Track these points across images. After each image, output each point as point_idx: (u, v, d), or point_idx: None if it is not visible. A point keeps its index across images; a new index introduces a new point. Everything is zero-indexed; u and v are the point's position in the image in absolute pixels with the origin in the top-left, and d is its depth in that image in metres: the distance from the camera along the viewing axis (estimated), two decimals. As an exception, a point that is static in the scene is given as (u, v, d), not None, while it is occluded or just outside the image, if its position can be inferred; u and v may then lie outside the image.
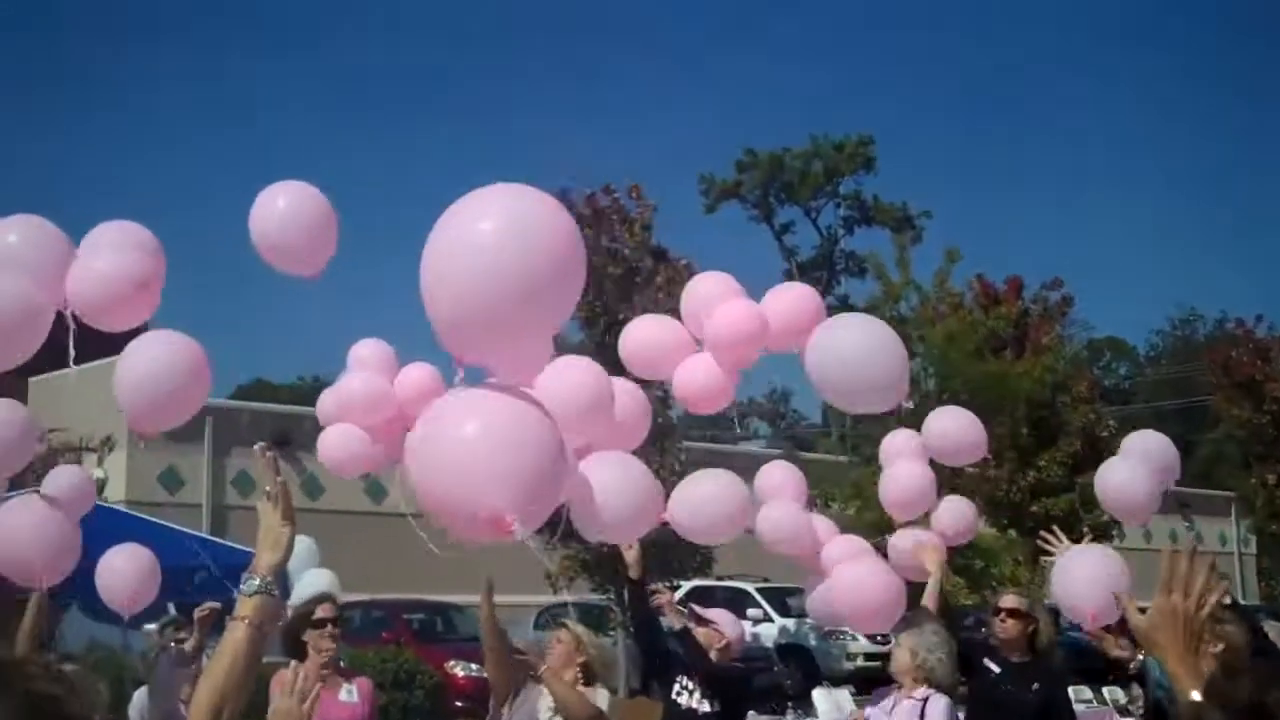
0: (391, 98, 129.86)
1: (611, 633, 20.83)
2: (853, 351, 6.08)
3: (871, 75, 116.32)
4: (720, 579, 27.69)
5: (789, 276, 65.25)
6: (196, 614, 8.92)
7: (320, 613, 6.86)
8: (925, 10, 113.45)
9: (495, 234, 3.67)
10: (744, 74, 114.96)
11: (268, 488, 3.36)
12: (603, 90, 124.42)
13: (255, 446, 3.54)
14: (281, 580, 9.91)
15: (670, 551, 20.99)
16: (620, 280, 22.18)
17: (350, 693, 6.94)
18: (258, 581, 3.18)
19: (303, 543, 11.51)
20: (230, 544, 12.89)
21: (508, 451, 3.69)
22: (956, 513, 8.39)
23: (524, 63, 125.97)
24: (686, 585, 24.60)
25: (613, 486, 5.38)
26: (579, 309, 22.08)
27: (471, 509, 3.80)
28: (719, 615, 8.45)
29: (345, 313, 67.14)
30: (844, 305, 64.03)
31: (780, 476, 7.98)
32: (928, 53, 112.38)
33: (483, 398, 3.80)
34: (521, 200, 3.71)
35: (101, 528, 11.88)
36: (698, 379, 6.74)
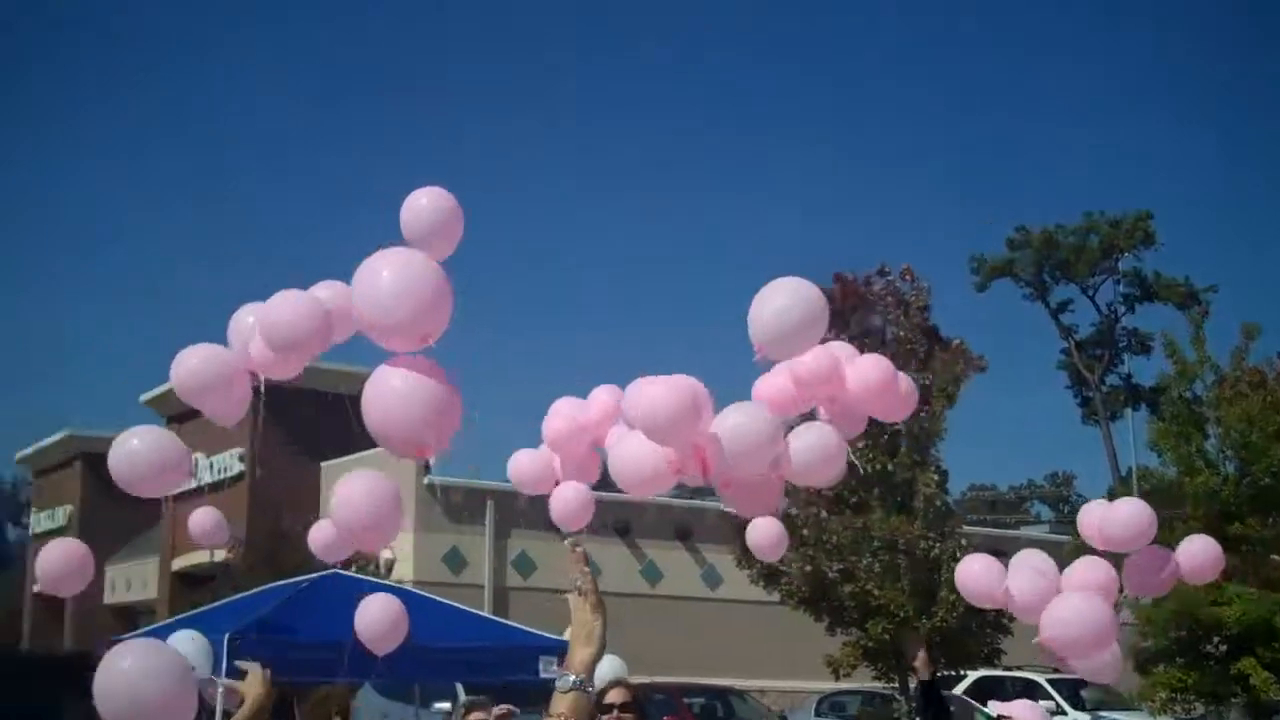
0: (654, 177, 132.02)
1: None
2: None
3: (1143, 145, 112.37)
4: (1009, 669, 26.75)
5: (1068, 355, 63.54)
6: (495, 714, 9.03)
7: (612, 697, 6.80)
8: (1193, 77, 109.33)
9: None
10: (1013, 147, 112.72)
11: (578, 581, 3.34)
12: (866, 171, 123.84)
13: (565, 541, 3.55)
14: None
15: (957, 642, 20.45)
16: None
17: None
18: (573, 678, 3.17)
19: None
20: (514, 624, 13.05)
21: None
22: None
23: (784, 144, 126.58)
24: (973, 675, 23.87)
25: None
26: None
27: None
28: (1017, 707, 8.03)
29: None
30: (1129, 384, 61.96)
31: (1091, 571, 7.55)
32: (1198, 118, 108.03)
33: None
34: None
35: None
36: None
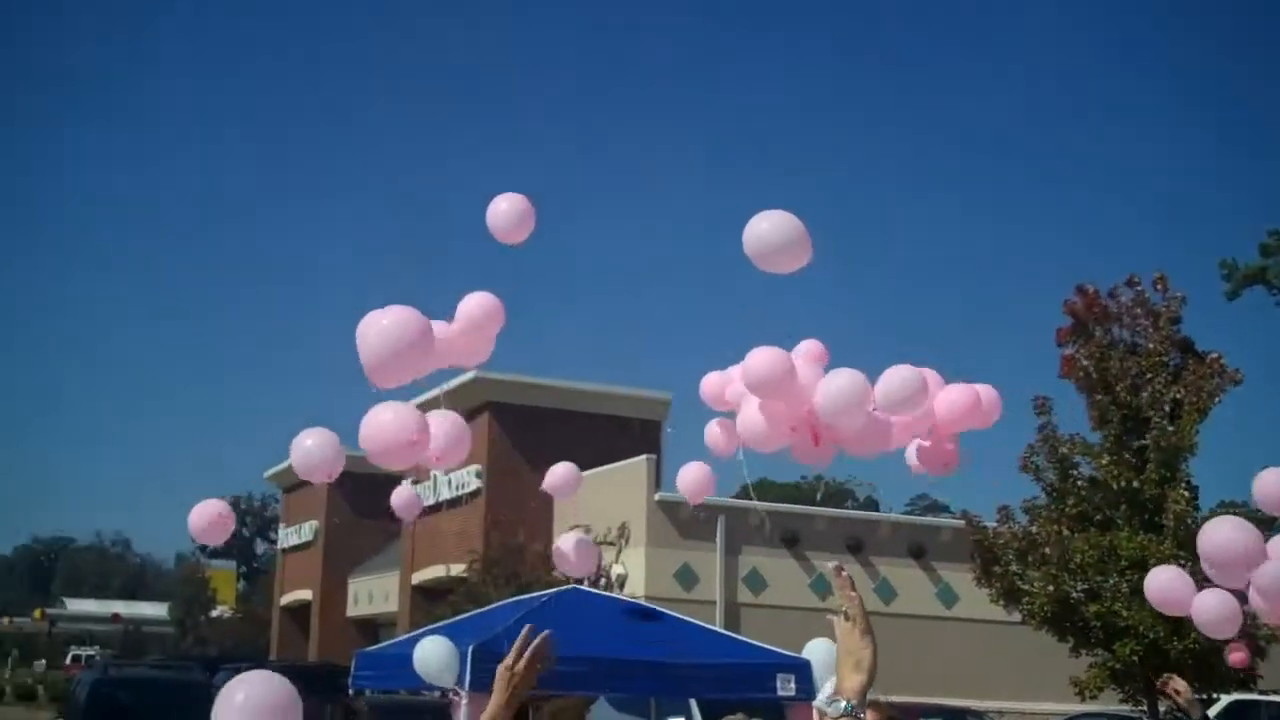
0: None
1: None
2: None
3: None
4: (1264, 693, 25.52)
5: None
6: None
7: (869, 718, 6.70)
8: None
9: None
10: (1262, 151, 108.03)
11: (845, 606, 3.30)
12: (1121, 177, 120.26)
13: (829, 565, 3.49)
14: (806, 681, 9.85)
15: (1210, 664, 19.62)
16: (1138, 376, 21.08)
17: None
18: (844, 704, 3.14)
19: (828, 648, 11.43)
20: (750, 641, 12.98)
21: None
22: None
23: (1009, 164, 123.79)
24: (1226, 699, 22.87)
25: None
26: (1092, 406, 21.16)
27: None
28: None
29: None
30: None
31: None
32: None
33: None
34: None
35: (626, 621, 12.31)
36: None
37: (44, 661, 72.01)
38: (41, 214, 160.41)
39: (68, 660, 66.06)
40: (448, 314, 8.16)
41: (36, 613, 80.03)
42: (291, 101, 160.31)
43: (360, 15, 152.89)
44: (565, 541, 10.49)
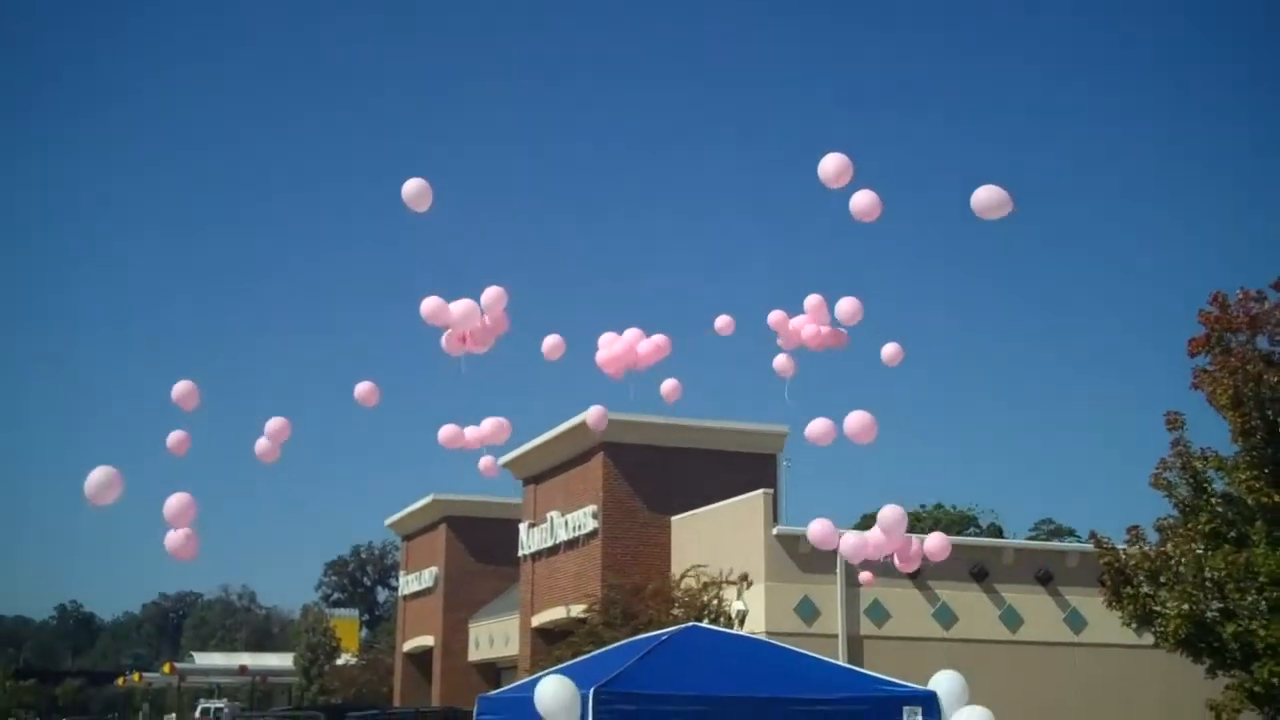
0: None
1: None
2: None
3: None
4: None
5: None
6: None
7: None
8: None
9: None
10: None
11: None
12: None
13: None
14: (933, 714, 9.65)
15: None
16: (1278, 387, 20.35)
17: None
18: None
19: (954, 679, 11.21)
20: (874, 674, 12.73)
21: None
22: None
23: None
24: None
25: None
26: (1234, 417, 20.47)
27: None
28: None
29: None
30: None
31: None
32: None
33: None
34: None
35: (747, 657, 12.15)
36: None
37: (174, 715, 73.30)
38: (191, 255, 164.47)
39: (197, 713, 67.18)
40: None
41: (165, 667, 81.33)
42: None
43: None
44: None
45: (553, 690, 10.26)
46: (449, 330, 12.59)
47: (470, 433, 13.86)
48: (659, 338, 13.17)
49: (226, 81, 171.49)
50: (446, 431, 13.89)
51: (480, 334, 12.58)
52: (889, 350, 13.00)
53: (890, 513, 12.21)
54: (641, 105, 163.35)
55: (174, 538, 12.28)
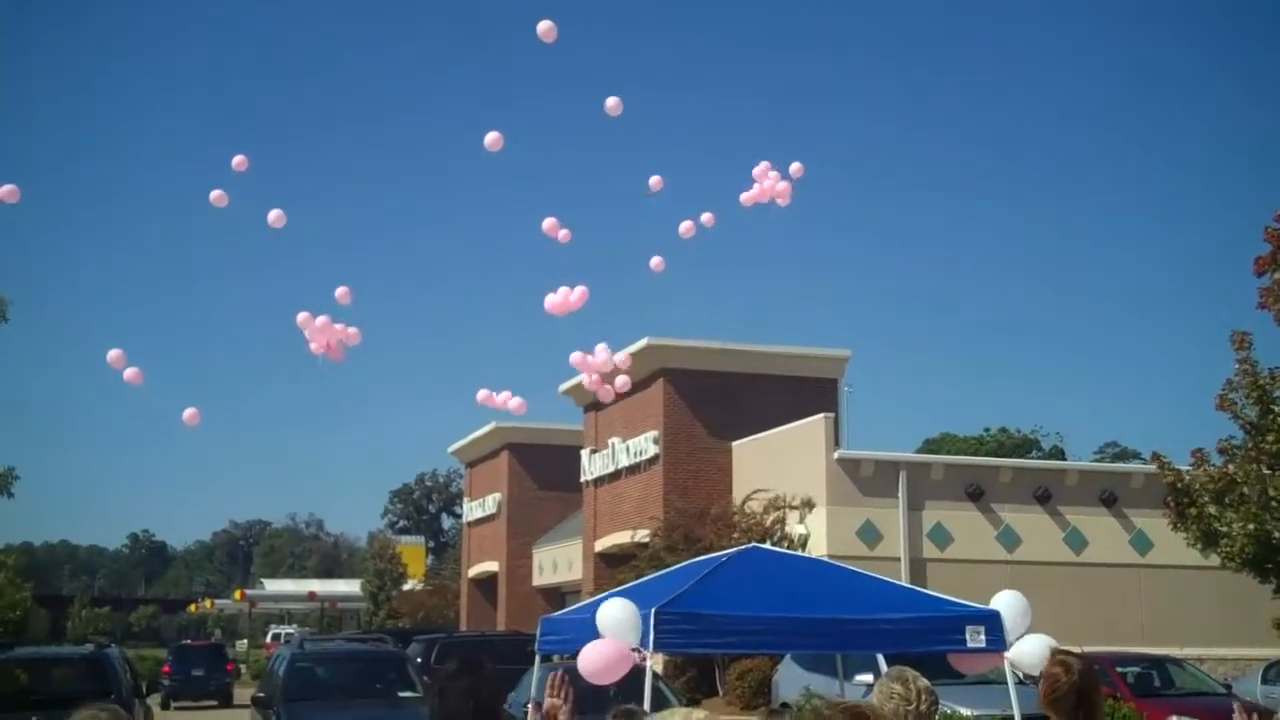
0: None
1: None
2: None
3: None
4: None
5: None
6: None
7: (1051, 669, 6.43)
8: None
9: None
10: None
11: None
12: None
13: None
14: (996, 632, 9.61)
15: None
16: None
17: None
18: None
19: (1017, 599, 11.14)
20: (935, 594, 12.71)
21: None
22: None
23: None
24: None
25: None
26: None
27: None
28: None
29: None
30: None
31: None
32: None
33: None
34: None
35: (808, 578, 12.15)
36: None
37: (245, 641, 74.58)
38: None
39: (268, 639, 68.33)
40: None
41: (236, 594, 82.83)
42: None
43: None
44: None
45: (614, 611, 10.35)
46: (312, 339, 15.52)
47: (500, 398, 17.22)
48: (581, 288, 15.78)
49: None
50: (482, 394, 17.23)
51: (335, 349, 15.60)
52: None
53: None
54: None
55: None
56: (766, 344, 38.84)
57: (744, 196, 16.26)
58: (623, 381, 17.51)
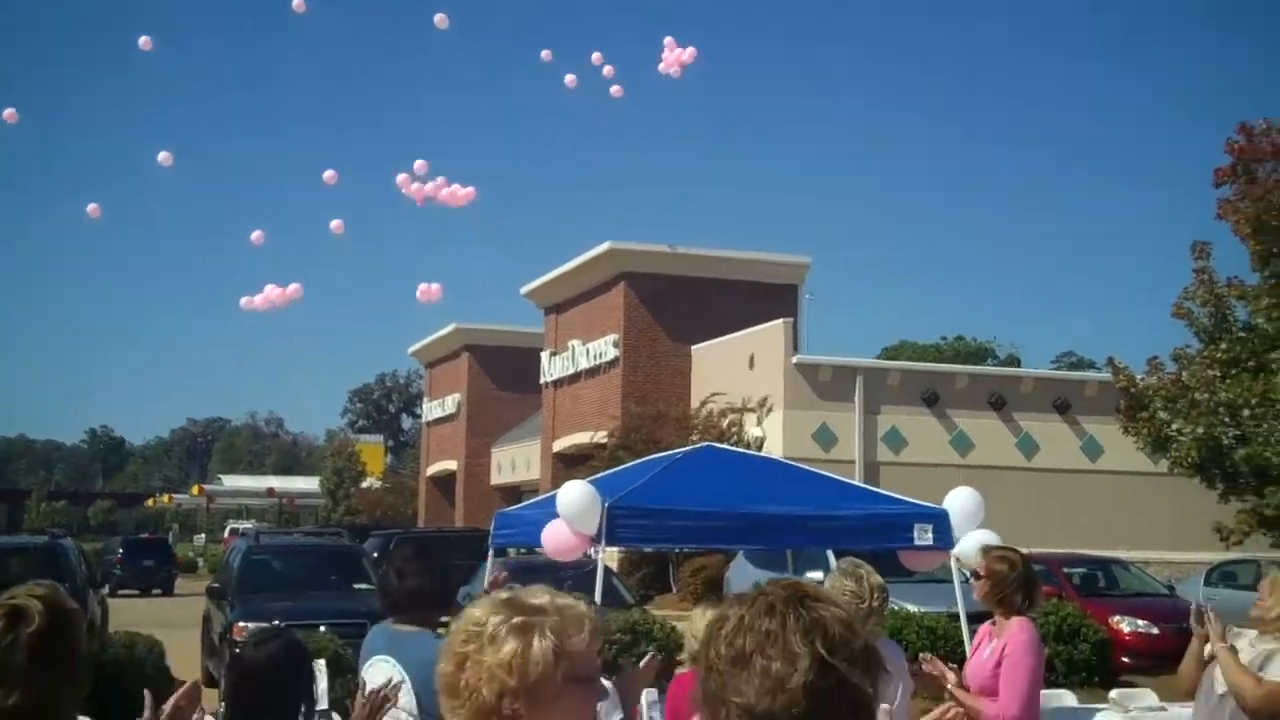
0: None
1: None
2: None
3: None
4: None
5: None
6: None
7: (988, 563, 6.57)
8: None
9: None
10: None
11: None
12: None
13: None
14: (944, 531, 9.74)
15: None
16: None
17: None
18: None
19: (970, 496, 11.27)
20: (886, 492, 12.90)
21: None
22: None
23: None
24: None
25: None
26: (1255, 246, 20.40)
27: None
28: None
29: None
30: None
31: None
32: None
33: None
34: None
35: (761, 476, 12.27)
36: None
37: (203, 536, 74.79)
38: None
39: (226, 534, 68.52)
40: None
41: (195, 489, 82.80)
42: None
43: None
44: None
45: (575, 494, 10.42)
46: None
47: (434, 288, 20.09)
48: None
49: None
50: (420, 289, 19.90)
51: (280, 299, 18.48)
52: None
53: None
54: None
55: None
56: (728, 249, 38.83)
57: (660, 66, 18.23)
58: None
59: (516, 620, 2.28)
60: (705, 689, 2.12)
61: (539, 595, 2.35)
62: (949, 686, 6.14)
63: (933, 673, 6.18)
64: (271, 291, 18.38)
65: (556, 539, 10.30)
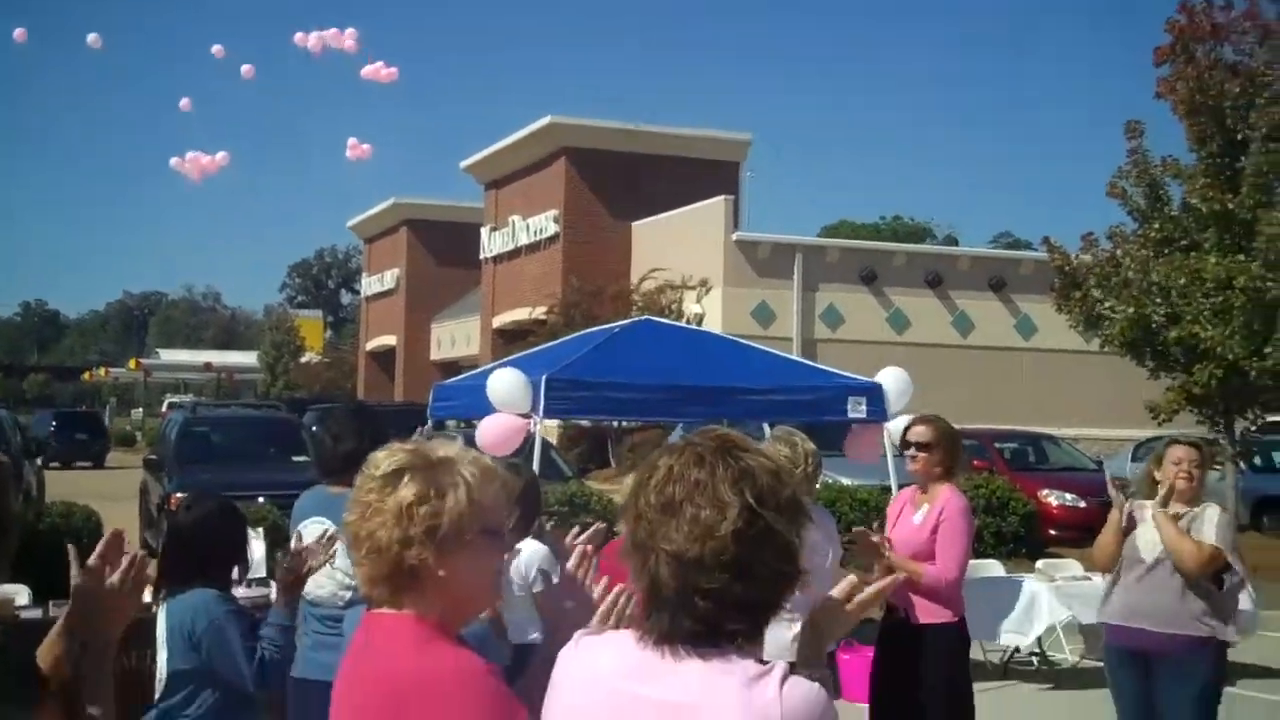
0: None
1: (1218, 467, 19.46)
2: None
3: None
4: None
5: None
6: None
7: (913, 435, 6.65)
8: None
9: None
10: None
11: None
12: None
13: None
14: (878, 404, 9.89)
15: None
16: (1239, 96, 20.31)
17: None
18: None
19: (900, 375, 11.48)
20: (822, 366, 13.06)
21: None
22: None
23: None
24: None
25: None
26: (1191, 126, 20.49)
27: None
28: None
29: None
30: None
31: None
32: None
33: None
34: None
35: (698, 349, 12.36)
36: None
37: (141, 410, 74.36)
38: None
39: (164, 408, 68.15)
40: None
41: (132, 363, 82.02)
42: None
43: None
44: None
45: (504, 380, 10.47)
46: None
47: (363, 147, 19.95)
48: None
49: None
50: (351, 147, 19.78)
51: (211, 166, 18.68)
52: None
53: None
54: None
55: None
56: (670, 125, 38.57)
57: None
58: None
59: (423, 467, 2.27)
60: (634, 538, 2.17)
61: (449, 446, 2.35)
62: (887, 553, 6.21)
63: (872, 541, 6.26)
64: (200, 158, 17.85)
65: (493, 432, 10.30)
